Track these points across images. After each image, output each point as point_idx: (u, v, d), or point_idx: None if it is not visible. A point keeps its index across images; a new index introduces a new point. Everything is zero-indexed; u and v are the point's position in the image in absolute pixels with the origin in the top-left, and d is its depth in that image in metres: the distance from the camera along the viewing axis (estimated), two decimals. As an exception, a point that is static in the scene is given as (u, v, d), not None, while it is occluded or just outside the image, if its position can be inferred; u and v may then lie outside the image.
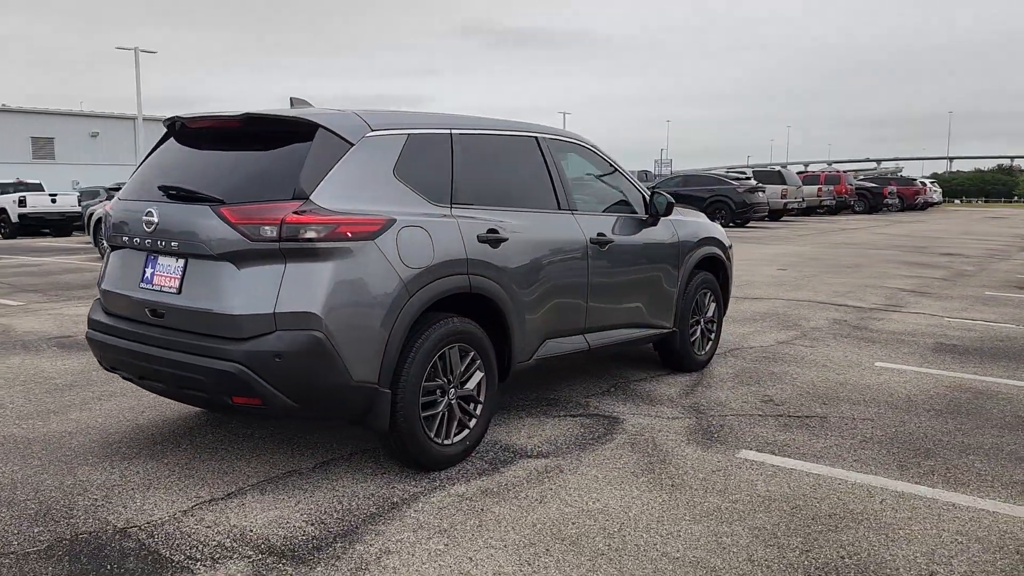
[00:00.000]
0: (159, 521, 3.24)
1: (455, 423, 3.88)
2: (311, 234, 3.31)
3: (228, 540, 3.08)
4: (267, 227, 3.29)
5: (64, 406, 4.80)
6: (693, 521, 3.33)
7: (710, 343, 5.98)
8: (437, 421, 3.78)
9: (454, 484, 3.69)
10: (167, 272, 3.60)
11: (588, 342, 4.73)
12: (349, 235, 3.39)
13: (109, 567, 2.86)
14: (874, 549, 3.11)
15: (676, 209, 5.71)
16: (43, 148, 47.58)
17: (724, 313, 6.25)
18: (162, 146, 4.00)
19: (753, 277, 11.54)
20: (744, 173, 27.07)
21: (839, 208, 33.60)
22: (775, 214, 27.59)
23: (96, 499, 3.46)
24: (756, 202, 23.73)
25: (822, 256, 15.11)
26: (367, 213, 3.48)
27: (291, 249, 3.31)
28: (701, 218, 6.01)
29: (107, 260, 4.02)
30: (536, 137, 4.61)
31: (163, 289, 3.60)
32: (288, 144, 3.54)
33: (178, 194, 3.57)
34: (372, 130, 3.69)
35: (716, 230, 6.01)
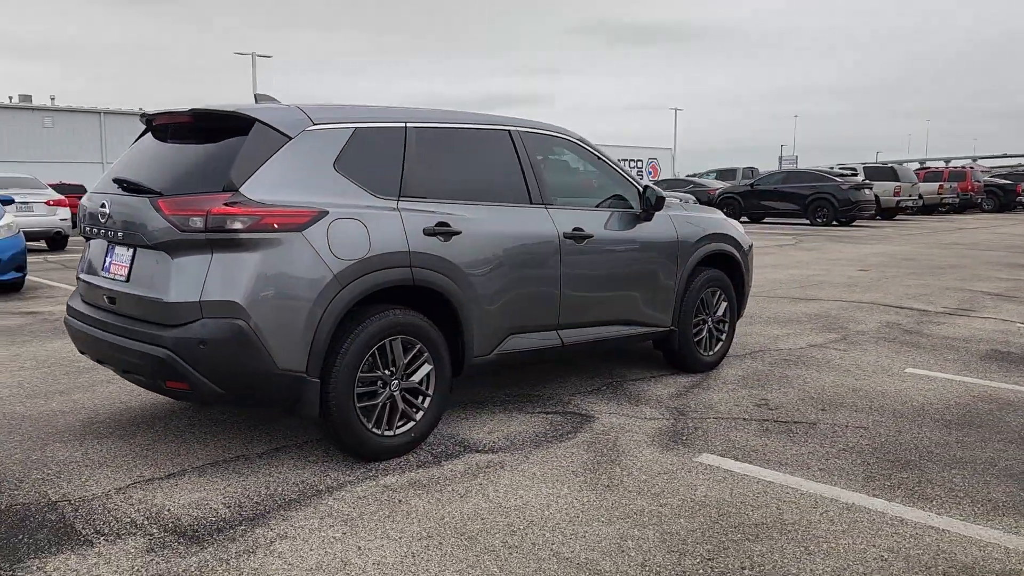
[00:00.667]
0: (91, 497, 3.43)
1: (398, 415, 3.90)
2: (236, 225, 3.41)
3: (142, 518, 3.22)
4: (195, 218, 3.41)
5: (71, 387, 5.13)
6: (607, 523, 3.24)
7: (720, 344, 5.77)
8: (376, 412, 3.82)
9: (387, 475, 3.72)
10: (120, 261, 3.80)
11: (562, 338, 4.65)
12: (275, 226, 3.48)
13: (21, 536, 3.05)
14: (783, 562, 2.93)
15: (682, 204, 5.55)
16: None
17: (740, 313, 6.01)
18: (138, 141, 4.21)
19: (827, 277, 11.02)
20: (852, 170, 25.79)
21: (964, 206, 31.52)
22: (887, 213, 26.19)
23: (49, 473, 3.69)
24: (862, 200, 22.58)
25: (918, 256, 14.24)
26: (297, 205, 3.56)
27: (217, 240, 3.42)
28: (711, 214, 5.80)
29: (83, 249, 4.27)
30: (509, 131, 4.58)
31: (115, 277, 3.80)
32: (229, 138, 3.66)
33: (127, 186, 3.76)
34: (313, 124, 3.77)
35: (727, 226, 5.79)
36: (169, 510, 3.30)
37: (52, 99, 49.91)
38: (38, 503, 3.36)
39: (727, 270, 5.83)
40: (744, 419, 4.62)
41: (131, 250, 3.74)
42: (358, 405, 3.74)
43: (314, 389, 3.59)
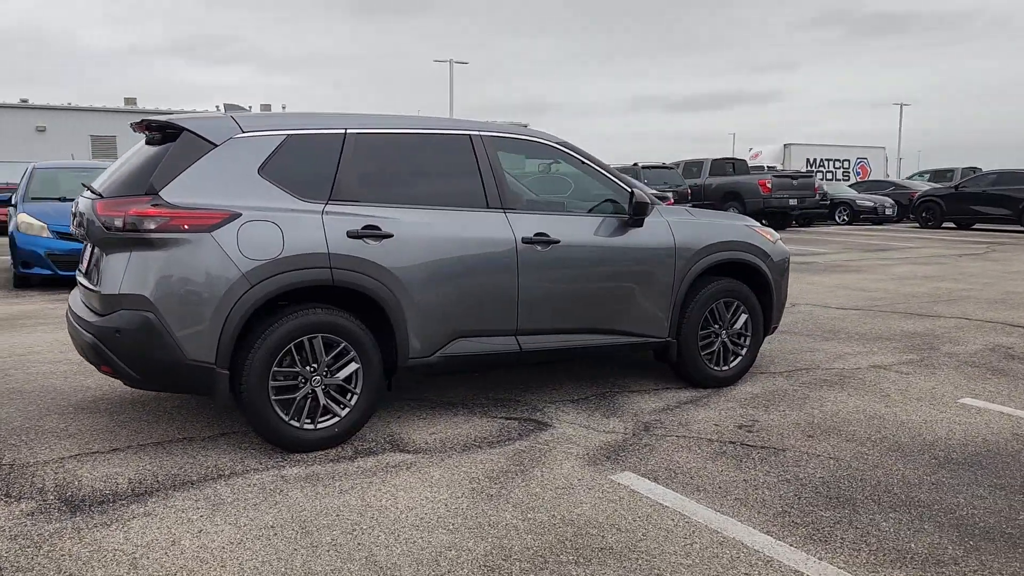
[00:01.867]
0: (31, 463, 3.88)
1: (319, 410, 4.06)
2: (150, 225, 3.73)
3: (52, 485, 3.61)
4: (117, 219, 3.77)
5: (91, 369, 5.63)
6: (450, 532, 3.20)
7: (738, 359, 5.39)
8: (295, 406, 3.99)
9: (296, 466, 3.89)
10: (87, 257, 4.26)
11: (521, 344, 4.59)
12: (185, 227, 3.76)
13: (-52, 491, 3.53)
14: (587, 590, 2.77)
15: (687, 210, 5.27)
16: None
17: (769, 327, 5.58)
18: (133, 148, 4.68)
19: (979, 292, 9.82)
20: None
21: None
22: None
23: (22, 440, 4.21)
24: (1090, 205, 19.72)
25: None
26: (209, 207, 3.81)
27: (134, 239, 3.76)
28: (728, 220, 5.44)
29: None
30: (470, 135, 4.58)
31: (84, 271, 4.26)
32: (165, 145, 3.99)
33: (90, 190, 4.21)
34: (242, 132, 4.02)
35: (747, 234, 5.39)
36: (80, 481, 3.67)
37: (268, 107, 55.32)
38: (-10, 465, 3.86)
39: (749, 281, 5.44)
40: (709, 440, 4.32)
41: (91, 248, 4.19)
42: (274, 398, 3.93)
43: (224, 380, 3.83)
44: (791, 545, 3.11)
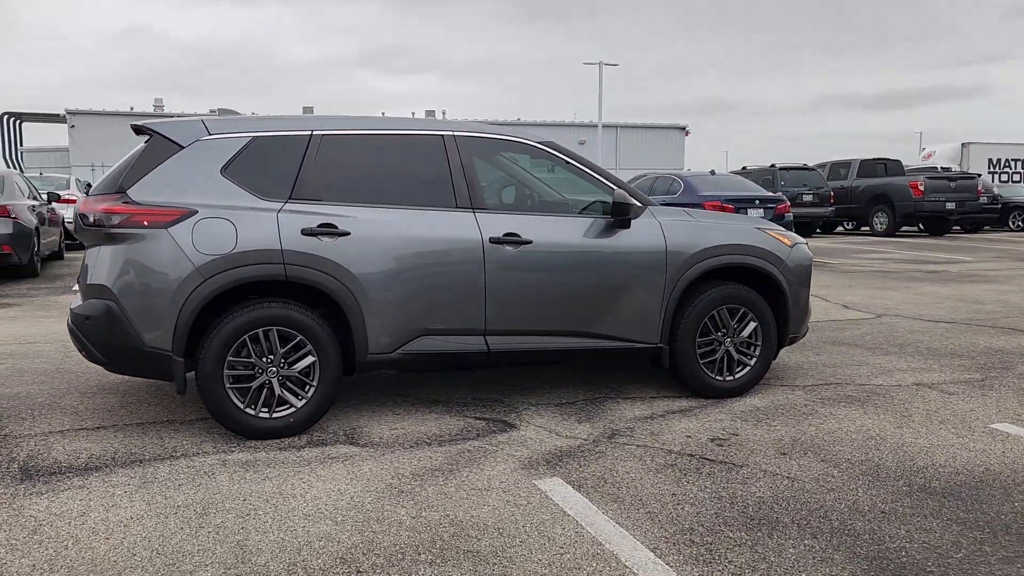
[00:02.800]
0: (26, 435, 4.30)
1: (275, 400, 4.23)
2: (114, 221, 4.04)
3: (23, 455, 3.99)
4: (90, 215, 4.11)
5: None
6: (335, 523, 3.25)
7: (746, 369, 5.08)
8: (251, 394, 4.19)
9: (243, 452, 4.07)
10: None
11: (489, 345, 4.57)
12: (145, 223, 4.04)
13: (-63, 455, 3.99)
14: (418, 590, 2.75)
15: (687, 211, 5.05)
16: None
17: (785, 337, 5.22)
18: None
19: (1114, 308, 8.70)
20: None
21: None
22: None
23: (28, 415, 4.66)
24: None
25: None
26: (168, 205, 4.08)
27: (103, 233, 4.08)
28: (735, 222, 5.14)
29: None
30: (443, 136, 4.62)
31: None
32: (141, 147, 4.31)
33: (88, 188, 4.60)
34: (209, 134, 4.26)
35: (756, 237, 5.07)
36: (50, 453, 4.02)
37: (444, 112, 57.42)
38: (-12, 435, 4.32)
39: (760, 287, 5.13)
40: (669, 451, 4.12)
41: None
42: (230, 386, 4.14)
43: (180, 367, 4.08)
44: (668, 564, 2.93)
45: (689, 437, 4.34)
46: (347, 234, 4.26)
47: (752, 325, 5.06)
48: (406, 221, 4.40)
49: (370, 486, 3.63)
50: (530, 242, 4.56)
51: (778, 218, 14.06)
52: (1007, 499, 3.53)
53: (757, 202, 13.94)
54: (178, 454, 4.04)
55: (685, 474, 3.80)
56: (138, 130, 4.44)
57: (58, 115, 53.52)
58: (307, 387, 4.28)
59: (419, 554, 2.99)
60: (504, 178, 4.98)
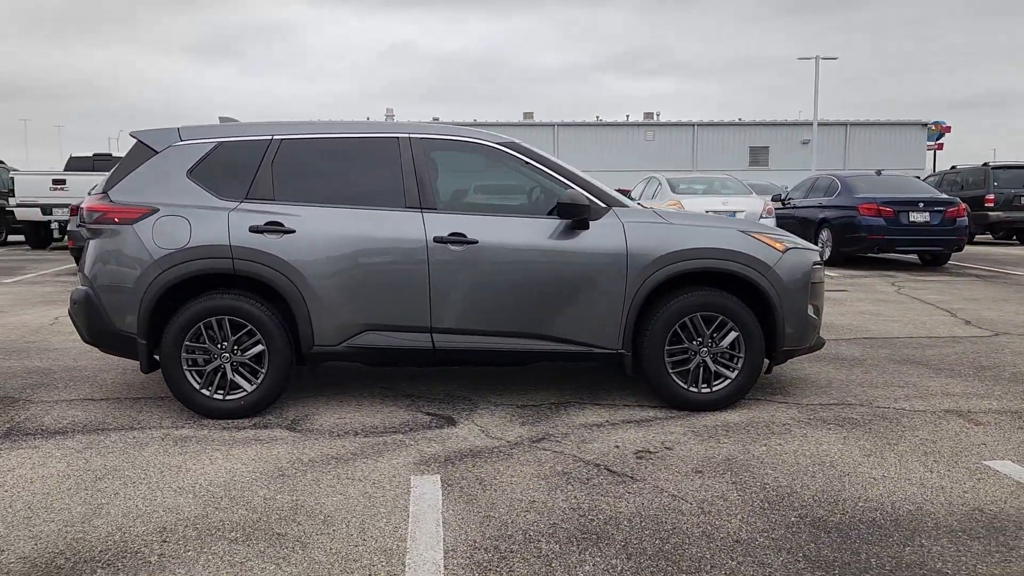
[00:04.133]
0: (40, 400, 4.97)
1: (228, 383, 4.59)
2: (94, 218, 4.59)
3: (21, 418, 4.62)
4: (82, 213, 4.70)
5: None
6: (152, 489, 3.52)
7: (726, 382, 4.74)
8: (205, 377, 4.58)
9: (191, 428, 4.44)
10: None
11: (435, 342, 4.64)
12: (116, 220, 4.54)
13: (-40, 413, 4.74)
14: (184, 555, 2.94)
15: (657, 212, 4.81)
16: (759, 156, 52.95)
17: (776, 351, 4.80)
18: None
19: None
20: None
21: None
22: None
23: (56, 382, 5.37)
24: None
25: None
26: (135, 204, 4.55)
27: (88, 228, 4.65)
28: (715, 225, 4.79)
29: None
30: (399, 138, 4.74)
31: None
32: (128, 152, 4.84)
33: None
34: (181, 140, 4.70)
35: (736, 241, 4.69)
36: (42, 419, 4.62)
37: (656, 115, 56.86)
38: (13, 397, 5.04)
39: (743, 294, 4.77)
40: (580, 460, 3.97)
41: None
42: (187, 368, 4.56)
43: (143, 349, 4.55)
44: (446, 568, 2.89)
45: (617, 447, 4.15)
46: (292, 232, 4.52)
47: (733, 335, 4.71)
48: (352, 220, 4.58)
49: (260, 468, 3.85)
50: (475, 242, 4.57)
51: (949, 222, 12.63)
52: (905, 543, 3.08)
53: (921, 204, 12.59)
54: (137, 426, 4.49)
55: (569, 484, 3.67)
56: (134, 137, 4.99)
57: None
58: (258, 374, 4.58)
59: (230, 532, 3.16)
60: (470, 179, 5.01)
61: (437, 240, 4.56)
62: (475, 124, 56.73)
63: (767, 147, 53.62)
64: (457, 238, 4.57)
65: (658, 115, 57.79)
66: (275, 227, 4.52)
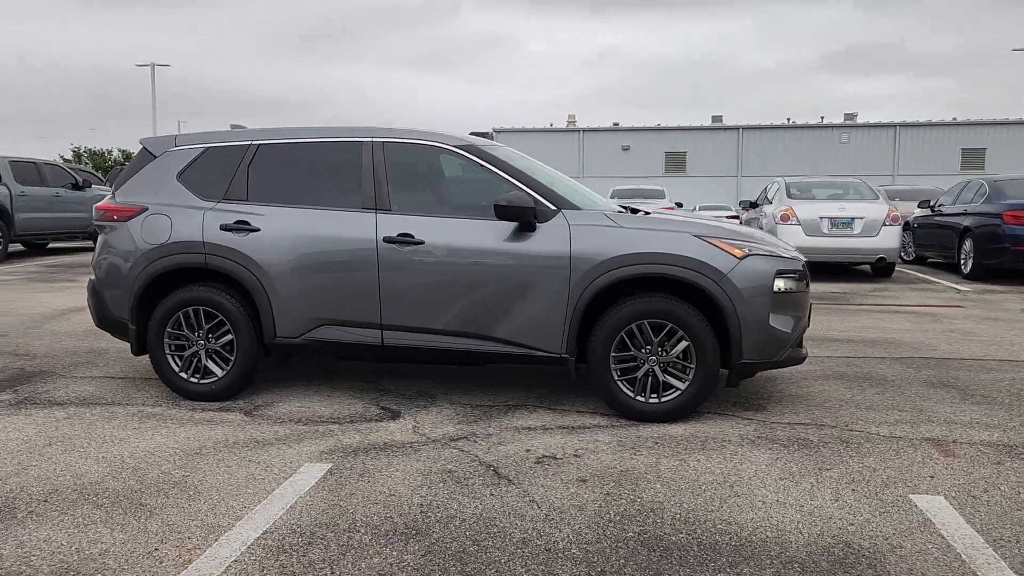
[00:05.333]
0: (69, 376, 5.64)
1: (203, 369, 5.01)
2: (101, 216, 5.17)
3: (39, 390, 5.27)
4: (94, 213, 5.30)
5: None
6: (85, 459, 3.93)
7: (677, 393, 4.55)
8: (183, 362, 5.02)
9: (166, 408, 4.88)
10: None
11: (384, 339, 4.80)
12: (115, 218, 5.09)
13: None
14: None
15: (608, 215, 4.70)
16: (973, 159, 48.74)
17: (735, 363, 4.54)
18: None
19: None
20: None
21: None
22: None
23: (96, 360, 6.05)
24: None
25: None
26: (131, 204, 5.07)
27: (97, 226, 5.24)
28: (671, 229, 4.58)
29: None
30: (362, 142, 4.95)
31: None
32: (135, 157, 5.38)
33: None
34: (176, 146, 5.17)
35: (689, 247, 4.48)
36: (56, 391, 5.25)
37: (854, 116, 53.49)
38: (57, 372, 5.76)
39: (697, 302, 4.56)
40: (471, 459, 3.99)
41: None
42: (168, 353, 5.02)
43: (134, 333, 5.07)
44: (247, 552, 3.07)
45: (527, 452, 4.13)
46: (258, 230, 4.86)
47: (683, 344, 4.51)
48: (311, 220, 4.85)
49: (186, 446, 4.18)
50: (422, 243, 4.70)
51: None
52: (724, 569, 2.89)
53: (1077, 212, 11.08)
54: (122, 402, 5.00)
55: (444, 482, 3.70)
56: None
57: (486, 132, 61.39)
58: (228, 361, 4.97)
59: (103, 499, 3.48)
60: (427, 181, 5.10)
61: (387, 240, 4.72)
62: (657, 128, 56.05)
63: (983, 149, 48.93)
64: (405, 238, 4.71)
65: (855, 117, 54.39)
66: (243, 226, 4.88)
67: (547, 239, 4.59)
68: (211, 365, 4.98)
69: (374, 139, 4.95)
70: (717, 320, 4.53)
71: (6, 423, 4.55)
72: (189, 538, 3.11)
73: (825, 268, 13.62)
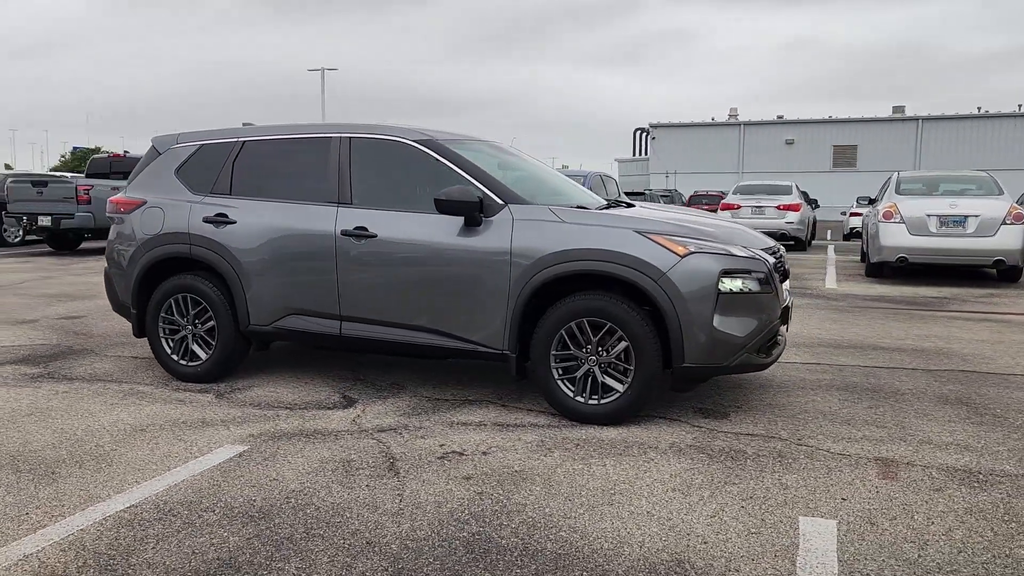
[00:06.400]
0: (95, 353, 6.19)
1: (190, 352, 5.35)
2: (111, 209, 5.64)
3: (68, 365, 5.83)
4: (107, 207, 5.78)
5: None
6: (46, 428, 4.31)
7: (616, 396, 4.39)
8: (174, 345, 5.39)
9: (148, 386, 5.27)
10: None
11: (342, 330, 4.94)
12: (122, 210, 5.52)
13: (45, 354, 6.11)
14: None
15: (553, 209, 4.60)
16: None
17: (677, 363, 4.31)
18: None
19: None
20: None
21: None
22: None
23: (111, 342, 6.58)
24: None
25: None
26: (135, 197, 5.49)
27: (109, 217, 5.71)
28: (611, 224, 4.39)
29: None
30: (331, 138, 5.08)
31: None
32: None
33: None
34: (177, 143, 5.54)
35: (626, 242, 4.28)
36: (79, 367, 5.76)
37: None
38: (91, 350, 6.33)
39: (638, 301, 4.38)
40: (382, 449, 4.04)
41: None
42: (163, 336, 5.41)
43: (135, 318, 5.49)
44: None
45: (441, 446, 4.12)
46: (234, 223, 5.13)
47: (623, 345, 4.35)
48: (278, 214, 5.05)
49: (137, 423, 4.48)
50: (375, 236, 4.79)
51: None
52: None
53: None
54: (122, 380, 5.41)
55: (332, 471, 3.78)
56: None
57: (644, 128, 60.39)
58: (212, 345, 5.28)
59: (24, 464, 3.82)
60: (389, 175, 5.11)
61: (344, 233, 4.85)
62: (826, 120, 52.96)
63: None
64: (360, 231, 4.82)
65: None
66: (221, 218, 5.17)
67: (491, 234, 4.55)
68: (196, 349, 5.30)
69: (341, 135, 5.08)
70: (659, 321, 4.32)
71: (11, 394, 5.07)
72: (63, 505, 3.36)
73: (941, 271, 12.48)
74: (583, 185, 13.30)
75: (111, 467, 3.80)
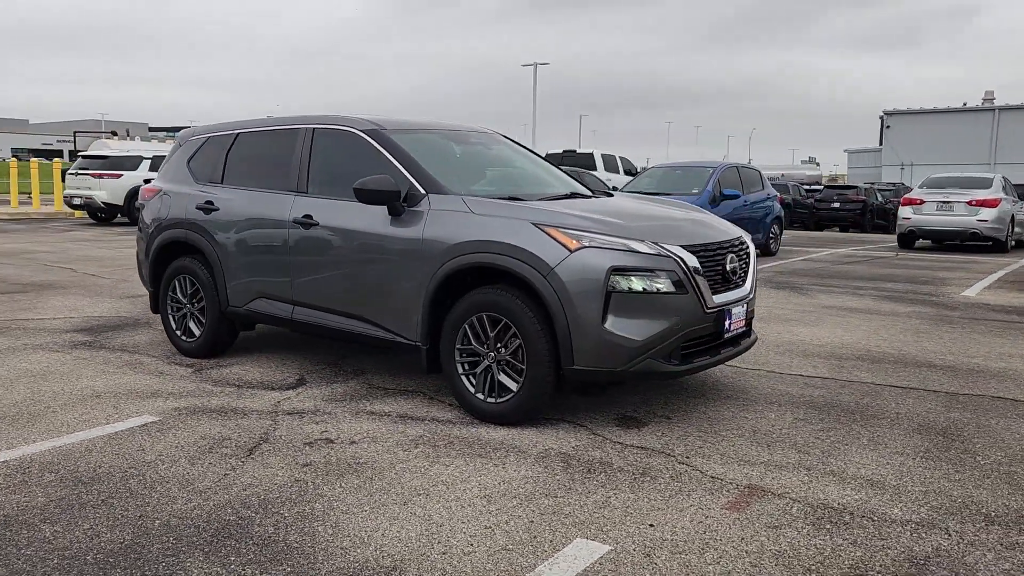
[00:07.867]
0: (124, 329, 6.88)
1: (188, 330, 5.81)
2: (142, 196, 6.23)
3: (88, 338, 6.57)
4: (140, 195, 6.39)
5: None
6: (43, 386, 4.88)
7: (511, 395, 4.21)
8: (177, 321, 5.87)
9: (148, 357, 5.77)
10: None
11: (293, 315, 5.14)
12: (147, 196, 6.10)
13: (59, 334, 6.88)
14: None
15: (466, 200, 4.49)
16: None
17: (568, 362, 4.05)
18: None
19: None
20: None
21: None
22: None
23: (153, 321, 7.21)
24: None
25: None
26: (155, 186, 6.03)
27: (138, 206, 6.31)
28: (508, 214, 4.20)
29: None
30: (299, 129, 5.27)
31: None
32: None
33: None
34: (193, 136, 6.02)
35: (516, 234, 4.07)
36: (119, 339, 6.45)
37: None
38: (141, 321, 7.02)
39: (532, 296, 4.17)
40: (268, 435, 4.20)
41: None
42: (171, 314, 5.91)
43: (151, 296, 6.05)
44: (-28, 468, 3.71)
45: (323, 432, 4.19)
46: (217, 210, 5.50)
47: (517, 343, 4.17)
48: (249, 202, 5.33)
49: (107, 389, 4.92)
50: (317, 224, 4.93)
51: None
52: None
53: None
54: (134, 351, 5.94)
55: (192, 446, 3.99)
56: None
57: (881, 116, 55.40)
58: (203, 324, 5.71)
59: (-26, 418, 4.41)
60: (347, 165, 5.15)
61: (295, 221, 5.04)
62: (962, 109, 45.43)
63: None
64: (306, 220, 4.98)
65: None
66: (209, 206, 5.55)
67: (409, 224, 4.53)
68: (192, 326, 5.75)
69: (307, 126, 5.26)
70: (545, 316, 4.08)
71: (40, 357, 5.76)
72: (-44, 456, 3.82)
73: None
74: (712, 179, 12.80)
75: (31, 426, 4.24)
